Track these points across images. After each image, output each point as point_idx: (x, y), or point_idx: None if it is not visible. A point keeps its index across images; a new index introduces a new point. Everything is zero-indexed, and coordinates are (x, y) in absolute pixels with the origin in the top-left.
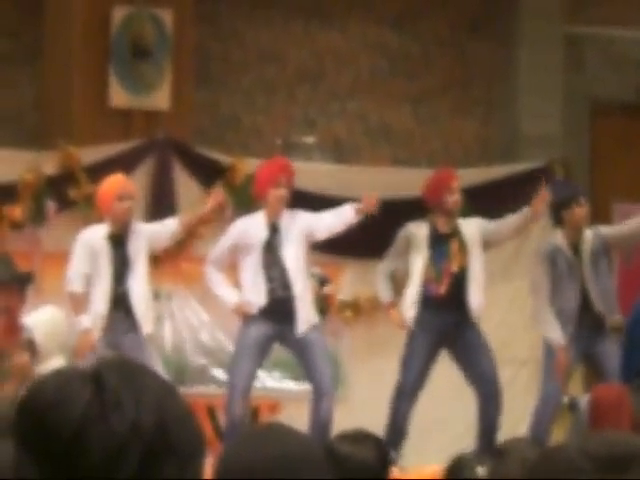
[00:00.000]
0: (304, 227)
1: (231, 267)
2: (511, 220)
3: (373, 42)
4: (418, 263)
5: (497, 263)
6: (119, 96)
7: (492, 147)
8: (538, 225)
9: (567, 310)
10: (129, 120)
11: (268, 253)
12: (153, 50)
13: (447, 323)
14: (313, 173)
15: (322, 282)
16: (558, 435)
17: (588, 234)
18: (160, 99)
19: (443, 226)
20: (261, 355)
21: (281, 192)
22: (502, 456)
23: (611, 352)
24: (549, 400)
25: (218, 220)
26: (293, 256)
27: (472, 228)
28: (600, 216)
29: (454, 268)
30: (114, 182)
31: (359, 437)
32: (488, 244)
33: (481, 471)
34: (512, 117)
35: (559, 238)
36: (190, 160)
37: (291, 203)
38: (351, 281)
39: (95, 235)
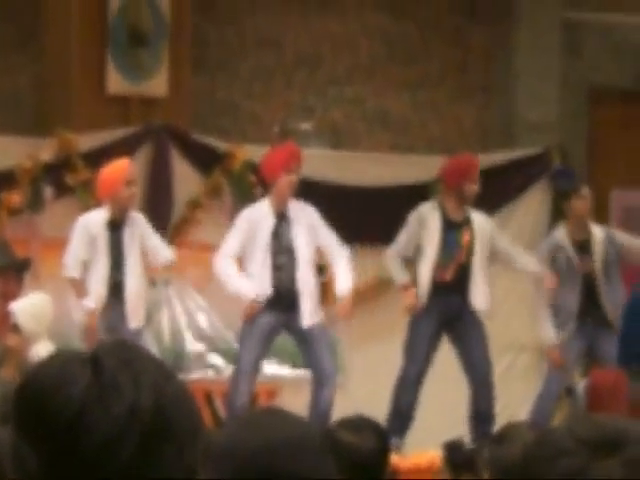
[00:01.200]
0: (313, 221)
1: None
2: (527, 260)
3: (371, 27)
4: (430, 249)
5: None
6: (116, 82)
7: (490, 132)
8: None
9: (567, 307)
10: (126, 107)
11: (275, 241)
12: (150, 36)
13: (449, 309)
14: (311, 159)
15: (320, 270)
16: (558, 421)
17: (599, 233)
18: (157, 85)
19: (454, 212)
20: (266, 344)
21: (292, 178)
22: (502, 441)
23: (611, 341)
24: (550, 394)
25: (216, 206)
26: (302, 245)
27: (484, 224)
28: (598, 203)
29: (463, 257)
30: (121, 166)
31: (359, 424)
32: (495, 258)
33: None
34: (510, 102)
35: (562, 234)
36: (187, 147)
37: None
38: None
39: (94, 220)
